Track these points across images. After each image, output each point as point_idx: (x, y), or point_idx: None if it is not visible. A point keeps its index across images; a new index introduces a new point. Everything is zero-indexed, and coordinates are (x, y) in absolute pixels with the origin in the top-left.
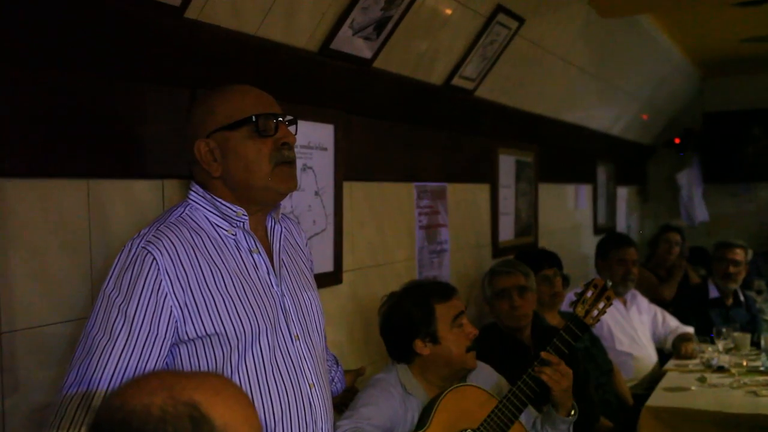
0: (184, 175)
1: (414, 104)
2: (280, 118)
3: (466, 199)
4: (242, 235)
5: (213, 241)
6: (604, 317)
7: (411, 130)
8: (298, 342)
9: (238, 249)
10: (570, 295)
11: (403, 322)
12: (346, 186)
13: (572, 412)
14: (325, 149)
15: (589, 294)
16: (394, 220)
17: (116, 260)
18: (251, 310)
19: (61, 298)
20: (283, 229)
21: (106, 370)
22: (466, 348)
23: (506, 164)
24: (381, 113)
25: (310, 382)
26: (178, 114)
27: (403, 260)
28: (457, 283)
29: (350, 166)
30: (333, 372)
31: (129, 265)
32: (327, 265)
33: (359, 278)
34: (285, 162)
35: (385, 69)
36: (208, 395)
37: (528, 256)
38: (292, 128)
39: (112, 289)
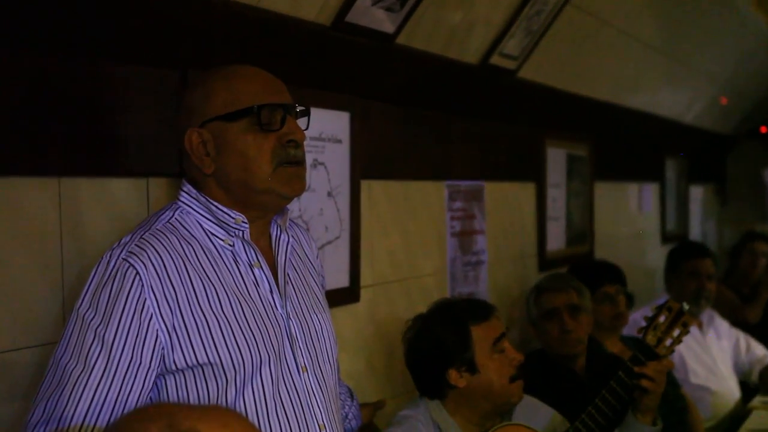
0: (173, 172)
1: (445, 87)
2: (289, 109)
3: (507, 201)
4: (241, 245)
5: (207, 253)
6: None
7: (441, 118)
8: (305, 374)
9: (236, 262)
10: (635, 317)
11: (434, 349)
12: (364, 185)
13: (657, 421)
14: (340, 141)
15: (661, 319)
16: (421, 225)
17: (92, 274)
18: (251, 335)
19: (27, 318)
20: (290, 239)
21: (80, 406)
22: (510, 377)
23: (555, 159)
24: (405, 98)
25: (320, 422)
26: (166, 100)
27: (431, 274)
28: (496, 302)
29: (369, 162)
30: (347, 407)
31: (107, 280)
32: (342, 280)
33: (380, 295)
34: (290, 162)
35: (411, 46)
36: (213, 427)
37: (583, 269)
38: (302, 120)
39: (87, 309)
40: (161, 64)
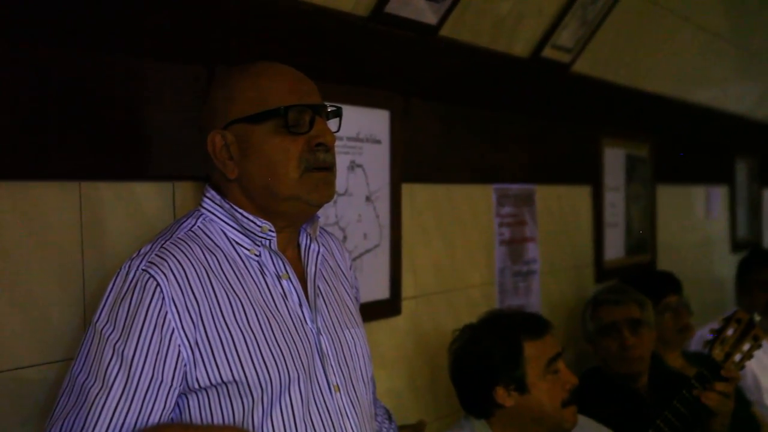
0: (200, 176)
1: (493, 83)
2: (318, 110)
3: (561, 206)
4: (268, 255)
5: (231, 263)
6: (749, 362)
7: (489, 116)
8: (338, 394)
9: (263, 273)
10: (702, 332)
11: (482, 363)
12: (406, 189)
13: None
14: (379, 142)
15: (729, 332)
16: (467, 232)
17: (110, 286)
18: (279, 352)
19: (45, 332)
20: (321, 249)
21: (98, 427)
22: (563, 401)
23: (614, 160)
24: (450, 95)
25: None
26: (193, 99)
27: (478, 285)
28: (549, 315)
29: (411, 164)
30: (384, 430)
31: (126, 292)
32: (381, 292)
33: (422, 308)
34: (319, 168)
35: (455, 38)
36: None
37: (644, 280)
38: (334, 122)
39: (105, 323)
40: (188, 60)
